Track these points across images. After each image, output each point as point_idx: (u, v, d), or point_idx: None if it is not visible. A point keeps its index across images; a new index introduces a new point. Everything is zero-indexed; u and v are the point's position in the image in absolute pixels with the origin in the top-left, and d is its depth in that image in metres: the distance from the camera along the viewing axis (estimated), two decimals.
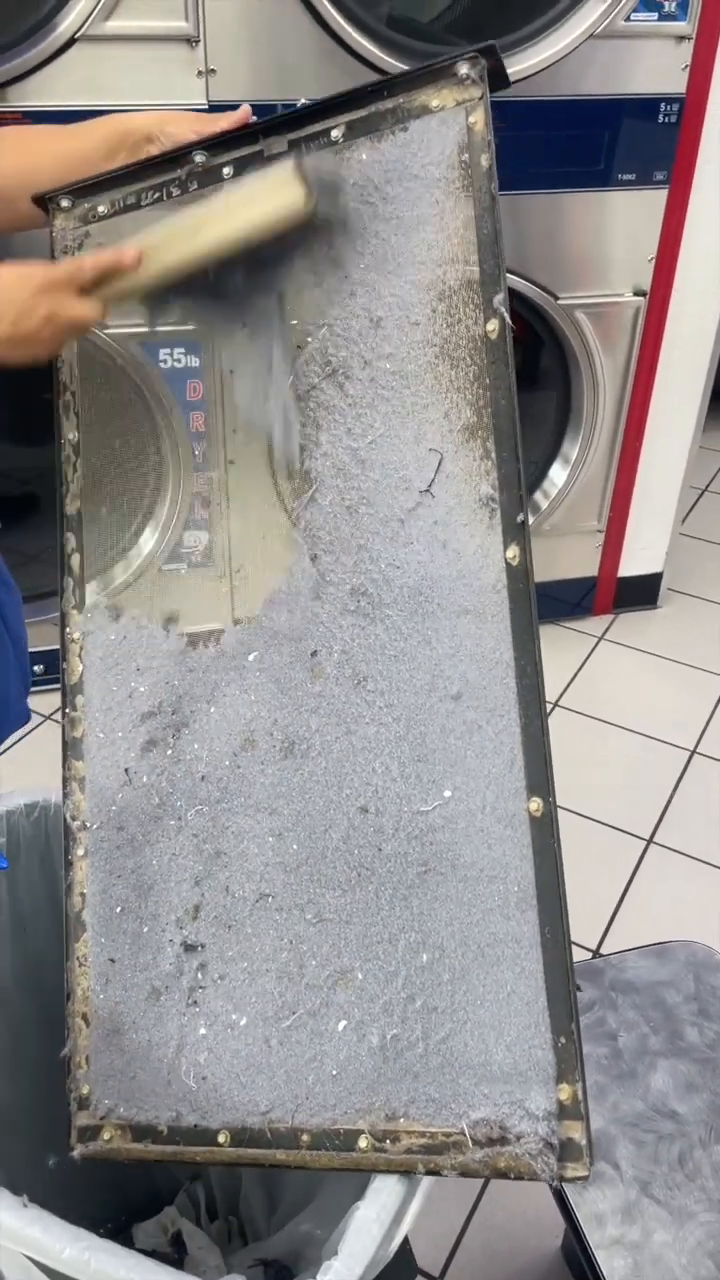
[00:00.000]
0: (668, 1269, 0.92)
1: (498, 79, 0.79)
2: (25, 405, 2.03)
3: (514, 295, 2.06)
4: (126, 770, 0.92)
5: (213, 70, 1.74)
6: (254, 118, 0.87)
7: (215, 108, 0.87)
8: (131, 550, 1.96)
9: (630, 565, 2.52)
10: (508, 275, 0.80)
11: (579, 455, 2.29)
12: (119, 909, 0.91)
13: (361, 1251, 0.69)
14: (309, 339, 0.86)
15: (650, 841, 1.97)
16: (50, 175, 0.93)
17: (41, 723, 2.14)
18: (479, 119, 0.78)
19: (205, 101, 1.75)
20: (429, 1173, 0.75)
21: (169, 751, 0.91)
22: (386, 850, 0.81)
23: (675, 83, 1.96)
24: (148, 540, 1.96)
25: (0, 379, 0.90)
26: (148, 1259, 0.70)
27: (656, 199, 2.06)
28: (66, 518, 0.97)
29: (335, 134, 0.83)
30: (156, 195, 0.90)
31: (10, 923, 1.06)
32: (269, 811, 0.87)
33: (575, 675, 2.39)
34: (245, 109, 0.87)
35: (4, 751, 1.95)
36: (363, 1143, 0.77)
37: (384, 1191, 0.73)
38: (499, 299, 0.77)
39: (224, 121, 0.87)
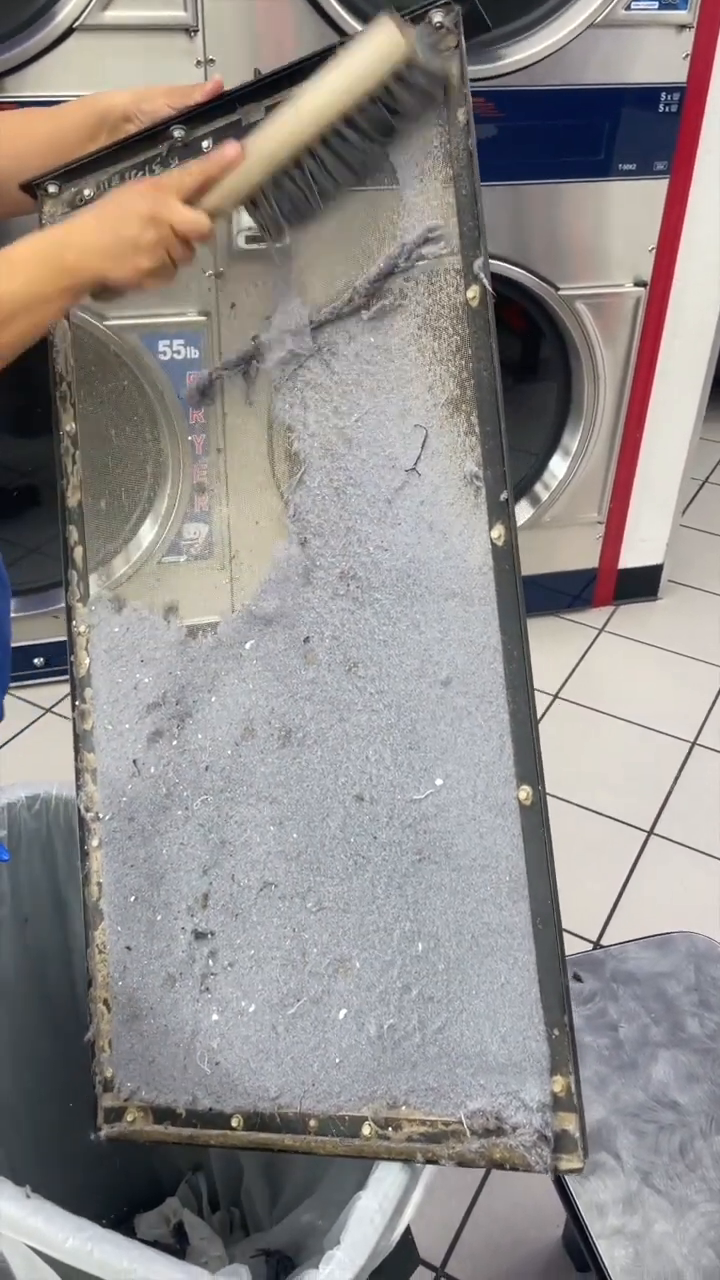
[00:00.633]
0: (669, 1259, 0.92)
1: (475, 25, 0.75)
2: (24, 396, 2.03)
3: (514, 286, 2.05)
4: (135, 761, 0.93)
5: (211, 60, 1.73)
6: (226, 86, 0.86)
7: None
8: (131, 543, 1.96)
9: (631, 557, 2.51)
10: (508, 265, 0.78)
11: (579, 447, 2.29)
12: (133, 898, 0.92)
13: (363, 1241, 0.69)
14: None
15: (651, 833, 1.98)
16: (38, 161, 0.93)
17: (42, 715, 2.14)
18: (454, 69, 0.75)
19: None
20: (428, 1161, 0.75)
21: (174, 742, 0.92)
22: (382, 838, 0.81)
23: (676, 72, 1.95)
24: (147, 533, 1.96)
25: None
26: (150, 1249, 0.70)
27: (657, 189, 2.05)
28: (68, 510, 0.97)
29: None
30: (139, 173, 0.89)
31: (11, 915, 1.06)
32: (270, 800, 0.87)
33: (575, 667, 2.39)
34: (217, 79, 0.87)
35: (4, 745, 1.95)
36: (366, 1130, 0.77)
37: (385, 1181, 0.73)
38: (479, 264, 0.74)
39: (198, 93, 0.87)
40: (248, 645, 0.90)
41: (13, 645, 1.22)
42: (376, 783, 0.82)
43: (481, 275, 0.75)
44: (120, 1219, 1.21)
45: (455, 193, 0.76)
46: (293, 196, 0.82)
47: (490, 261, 0.78)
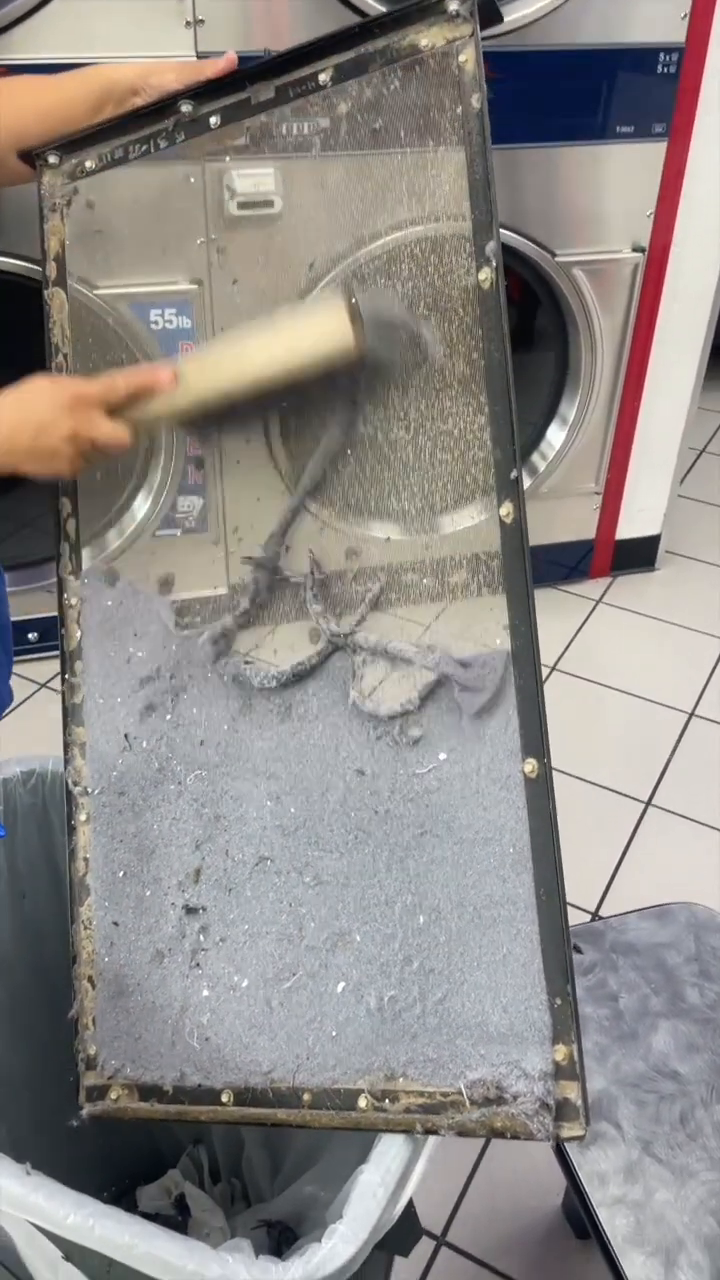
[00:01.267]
0: (670, 1227, 0.93)
1: (489, 15, 0.76)
2: (12, 369, 2.00)
3: (510, 253, 2.02)
4: (126, 735, 0.92)
5: (200, 20, 1.70)
6: (239, 64, 0.85)
7: (204, 58, 0.85)
8: (125, 516, 1.93)
9: (628, 527, 2.50)
10: (504, 232, 0.77)
11: (577, 416, 2.27)
12: (121, 873, 0.91)
13: (366, 1215, 0.69)
14: None
15: (648, 804, 1.98)
16: (38, 131, 0.91)
17: (37, 690, 2.13)
18: (469, 57, 0.75)
19: (193, 52, 1.71)
20: (427, 1132, 0.75)
21: (168, 716, 0.91)
22: (383, 812, 0.81)
23: (674, 32, 1.91)
24: (141, 506, 1.93)
25: None
26: (152, 1224, 0.70)
27: (655, 152, 2.02)
28: (61, 482, 0.95)
29: (323, 78, 0.80)
30: (144, 148, 0.88)
31: (9, 890, 1.05)
32: (267, 775, 0.86)
33: (573, 639, 2.38)
34: (231, 56, 0.85)
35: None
36: (362, 1102, 0.77)
37: (388, 1155, 0.73)
38: (491, 247, 0.75)
39: (209, 69, 0.85)
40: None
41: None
42: (379, 757, 0.81)
43: (493, 258, 0.75)
44: (122, 1192, 1.21)
45: (469, 175, 0.75)
46: (223, 425, 0.86)
47: None
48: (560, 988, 0.72)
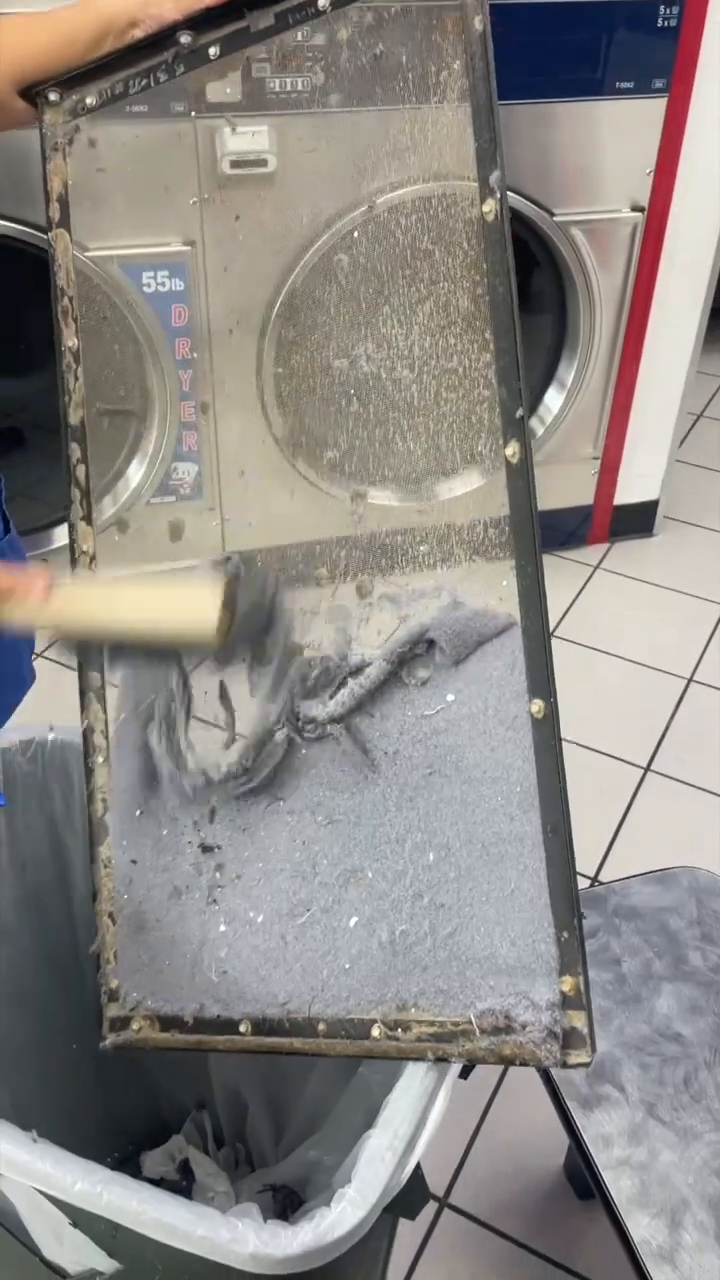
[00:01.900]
0: (674, 1188, 0.93)
1: None
2: (5, 338, 1.97)
3: None
4: None
5: None
6: None
7: None
8: (119, 483, 1.91)
9: (626, 493, 2.48)
10: None
11: (575, 380, 2.24)
12: (139, 812, 0.92)
13: (375, 1178, 0.69)
14: None
15: (647, 769, 1.98)
16: (37, 69, 0.89)
17: (34, 659, 2.11)
18: None
19: None
20: (438, 1059, 0.76)
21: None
22: (392, 753, 0.82)
23: None
24: (135, 472, 1.90)
25: None
26: (159, 1190, 0.69)
27: (655, 109, 1.98)
28: (70, 428, 0.94)
29: (322, 3, 0.78)
30: (144, 82, 0.87)
31: (9, 860, 1.05)
32: None
33: (571, 605, 2.37)
34: None
35: None
36: (375, 1031, 0.78)
37: (395, 1120, 0.73)
38: (495, 177, 0.72)
39: None
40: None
41: None
42: (388, 699, 0.82)
43: (498, 188, 0.72)
44: (126, 1158, 1.22)
45: (472, 100, 0.73)
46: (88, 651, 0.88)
47: None
48: (567, 921, 0.73)
